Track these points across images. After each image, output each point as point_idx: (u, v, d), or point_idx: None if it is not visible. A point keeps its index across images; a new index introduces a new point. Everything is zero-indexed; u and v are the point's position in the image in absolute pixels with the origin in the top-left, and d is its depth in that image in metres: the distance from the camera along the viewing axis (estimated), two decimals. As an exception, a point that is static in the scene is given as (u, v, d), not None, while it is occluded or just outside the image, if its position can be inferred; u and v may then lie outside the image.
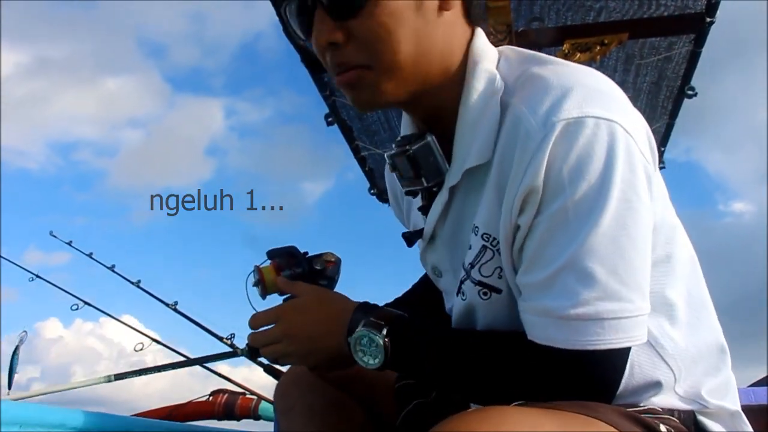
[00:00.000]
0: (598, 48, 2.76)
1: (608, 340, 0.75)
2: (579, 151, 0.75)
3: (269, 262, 1.12)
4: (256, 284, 1.11)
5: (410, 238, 1.03)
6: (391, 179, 1.17)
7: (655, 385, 0.87)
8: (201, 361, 1.18)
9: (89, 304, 3.76)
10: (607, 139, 0.75)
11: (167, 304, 3.64)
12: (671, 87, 3.13)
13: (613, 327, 0.75)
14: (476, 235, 0.87)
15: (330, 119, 3.05)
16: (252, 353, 1.15)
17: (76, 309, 3.71)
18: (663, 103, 3.21)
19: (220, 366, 3.52)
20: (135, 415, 3.30)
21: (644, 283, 0.78)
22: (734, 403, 0.93)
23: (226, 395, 3.61)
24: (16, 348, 4.74)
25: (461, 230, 0.93)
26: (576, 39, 2.74)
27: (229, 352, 1.26)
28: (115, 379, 1.30)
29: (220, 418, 3.57)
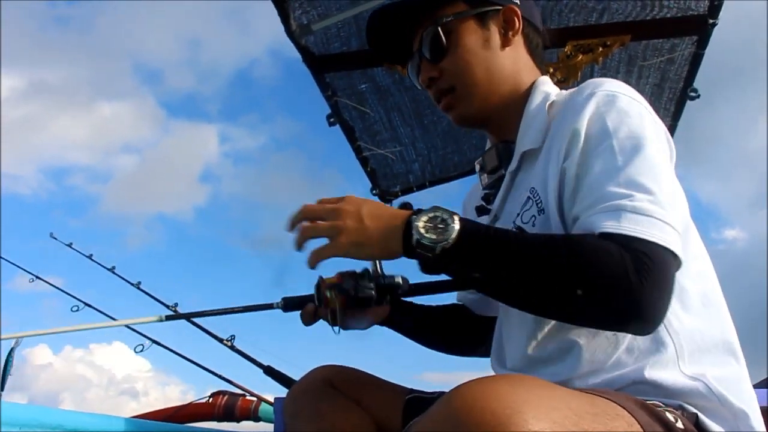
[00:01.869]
0: (600, 49, 2.75)
1: (657, 235, 0.85)
2: (618, 109, 0.96)
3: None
4: (316, 295, 1.13)
5: (481, 209, 1.24)
6: (469, 196, 1.41)
7: (658, 354, 0.93)
8: (243, 310, 1.20)
9: (89, 306, 3.76)
10: (638, 108, 0.98)
11: (167, 306, 3.63)
12: (674, 89, 3.12)
13: (658, 227, 0.86)
14: (529, 192, 1.06)
15: (332, 120, 3.04)
16: (287, 306, 1.19)
17: (77, 310, 3.70)
18: (665, 104, 3.20)
19: (221, 367, 3.52)
20: (135, 416, 3.30)
21: (676, 203, 0.93)
22: (741, 401, 0.93)
23: (226, 397, 3.61)
24: (11, 350, 4.73)
25: (514, 206, 1.11)
26: (578, 40, 2.73)
27: (265, 304, 1.26)
28: (167, 320, 1.30)
29: (220, 420, 3.57)
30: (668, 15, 2.72)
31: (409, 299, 1.29)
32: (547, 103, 1.11)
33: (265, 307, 1.22)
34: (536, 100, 1.14)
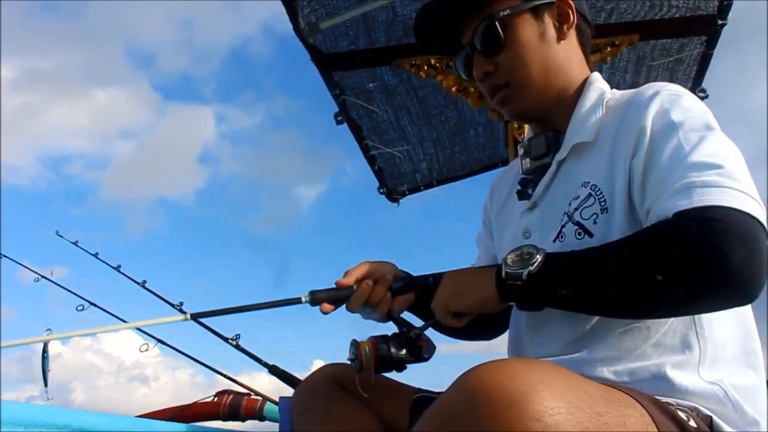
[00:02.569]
0: (609, 49, 2.75)
1: (729, 200, 0.84)
2: (682, 106, 0.99)
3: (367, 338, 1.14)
4: (352, 359, 1.13)
5: (522, 192, 1.22)
6: (498, 181, 1.42)
7: (682, 356, 0.94)
8: (270, 305, 1.17)
9: (95, 305, 3.76)
10: (701, 105, 1.01)
11: (173, 305, 3.63)
12: (682, 89, 3.10)
13: (730, 194, 0.85)
14: (585, 187, 1.05)
15: (339, 118, 3.03)
16: (314, 301, 1.18)
17: (82, 309, 3.70)
18: (674, 105, 3.19)
19: (225, 367, 3.52)
20: (140, 416, 3.30)
21: (747, 176, 0.91)
22: (755, 410, 0.94)
23: (231, 396, 3.61)
24: (45, 346, 4.76)
25: (561, 196, 1.12)
26: (586, 40, 2.72)
27: (292, 299, 1.25)
28: (191, 319, 1.26)
29: (225, 419, 3.57)
30: (677, 15, 2.71)
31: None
32: (605, 100, 1.12)
33: (293, 302, 1.20)
34: (592, 95, 1.15)
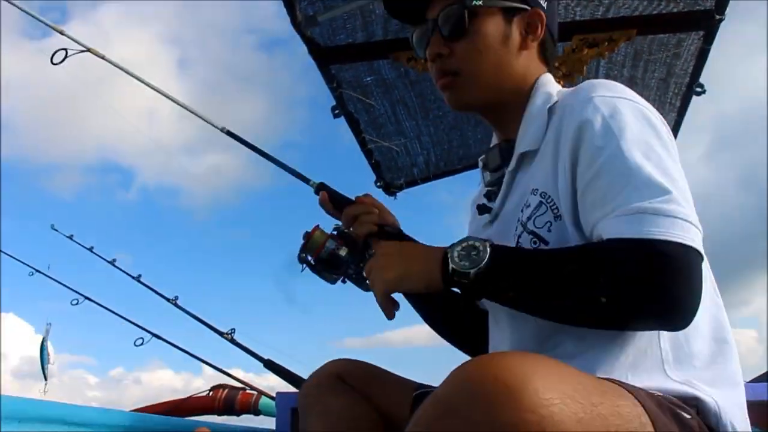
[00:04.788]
0: (606, 44, 2.74)
1: (679, 234, 0.86)
2: (618, 113, 0.98)
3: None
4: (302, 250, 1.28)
5: (482, 208, 1.24)
6: (477, 194, 1.37)
7: (645, 361, 0.95)
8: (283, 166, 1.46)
9: (89, 299, 3.75)
10: (636, 109, 1.00)
11: (168, 299, 3.63)
12: (679, 84, 3.10)
13: (679, 225, 0.87)
14: (535, 195, 1.06)
15: (337, 111, 3.03)
16: (318, 189, 1.37)
17: (76, 303, 3.70)
18: (671, 99, 3.19)
19: (220, 361, 3.52)
20: (135, 410, 3.30)
21: (691, 200, 0.93)
22: (733, 402, 0.96)
23: (226, 390, 3.61)
24: (43, 340, 4.76)
25: (515, 206, 1.13)
26: (584, 34, 2.72)
27: (303, 176, 1.41)
28: (227, 134, 1.50)
29: (220, 413, 3.57)
30: (675, 10, 2.70)
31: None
32: (548, 106, 1.12)
33: (303, 178, 1.41)
34: (537, 101, 1.15)
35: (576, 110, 1.01)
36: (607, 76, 3.05)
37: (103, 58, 1.90)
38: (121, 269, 3.89)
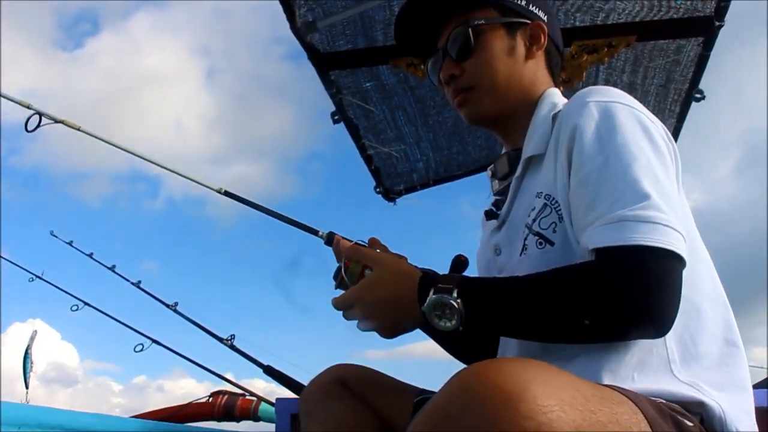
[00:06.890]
0: (606, 50, 2.74)
1: (660, 240, 0.89)
2: (611, 119, 1.00)
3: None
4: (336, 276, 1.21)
5: (490, 213, 1.28)
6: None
7: (652, 361, 0.95)
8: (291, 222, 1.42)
9: (89, 305, 3.75)
10: (630, 114, 1.02)
11: (167, 305, 3.62)
12: (679, 90, 3.10)
13: (660, 231, 0.89)
14: (539, 198, 1.09)
15: (336, 117, 3.04)
16: (328, 239, 1.39)
17: (76, 309, 3.70)
18: (670, 106, 3.19)
19: (220, 367, 3.51)
20: (134, 416, 3.29)
21: (676, 204, 0.95)
22: (739, 408, 0.95)
23: (225, 396, 3.61)
24: (27, 348, 4.75)
25: (522, 211, 1.15)
26: (583, 40, 2.72)
27: (311, 228, 1.39)
28: (225, 194, 1.40)
29: (219, 419, 3.57)
30: (674, 16, 2.70)
31: None
32: (552, 113, 1.16)
33: (311, 231, 1.39)
34: (543, 109, 1.19)
35: (572, 114, 1.04)
36: (607, 82, 3.05)
37: (79, 129, 1.87)
38: (121, 275, 3.88)
